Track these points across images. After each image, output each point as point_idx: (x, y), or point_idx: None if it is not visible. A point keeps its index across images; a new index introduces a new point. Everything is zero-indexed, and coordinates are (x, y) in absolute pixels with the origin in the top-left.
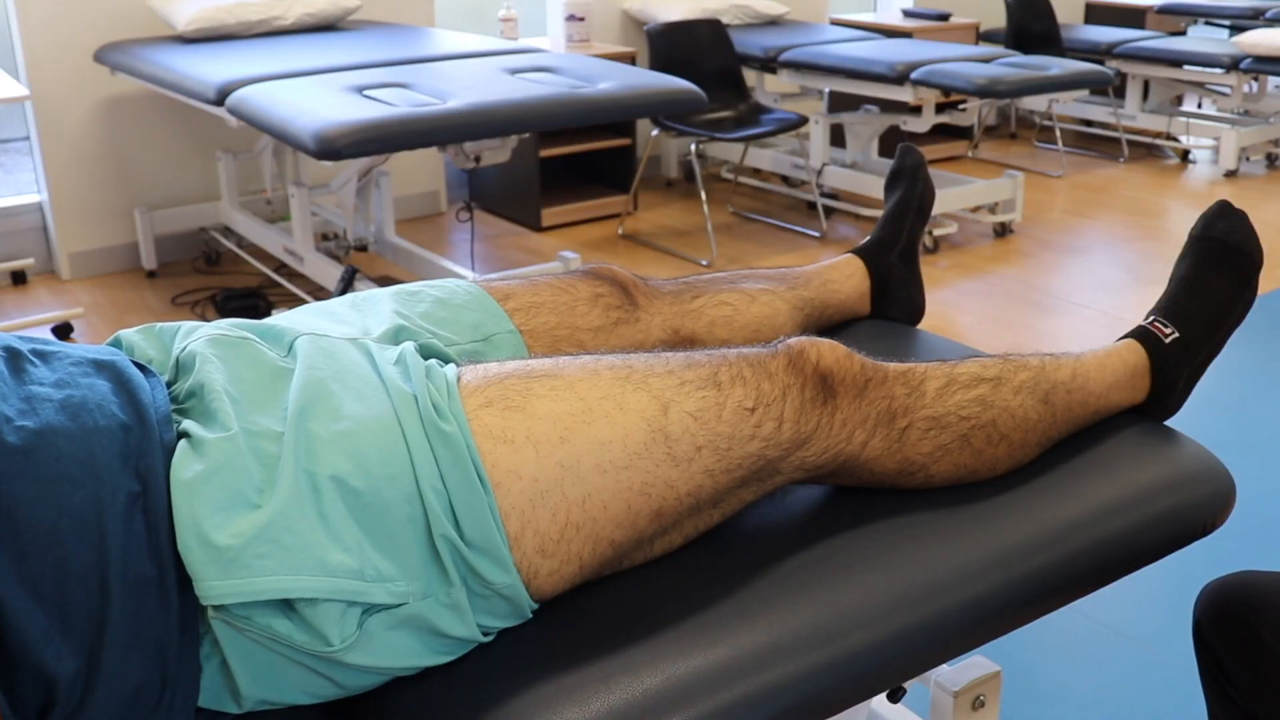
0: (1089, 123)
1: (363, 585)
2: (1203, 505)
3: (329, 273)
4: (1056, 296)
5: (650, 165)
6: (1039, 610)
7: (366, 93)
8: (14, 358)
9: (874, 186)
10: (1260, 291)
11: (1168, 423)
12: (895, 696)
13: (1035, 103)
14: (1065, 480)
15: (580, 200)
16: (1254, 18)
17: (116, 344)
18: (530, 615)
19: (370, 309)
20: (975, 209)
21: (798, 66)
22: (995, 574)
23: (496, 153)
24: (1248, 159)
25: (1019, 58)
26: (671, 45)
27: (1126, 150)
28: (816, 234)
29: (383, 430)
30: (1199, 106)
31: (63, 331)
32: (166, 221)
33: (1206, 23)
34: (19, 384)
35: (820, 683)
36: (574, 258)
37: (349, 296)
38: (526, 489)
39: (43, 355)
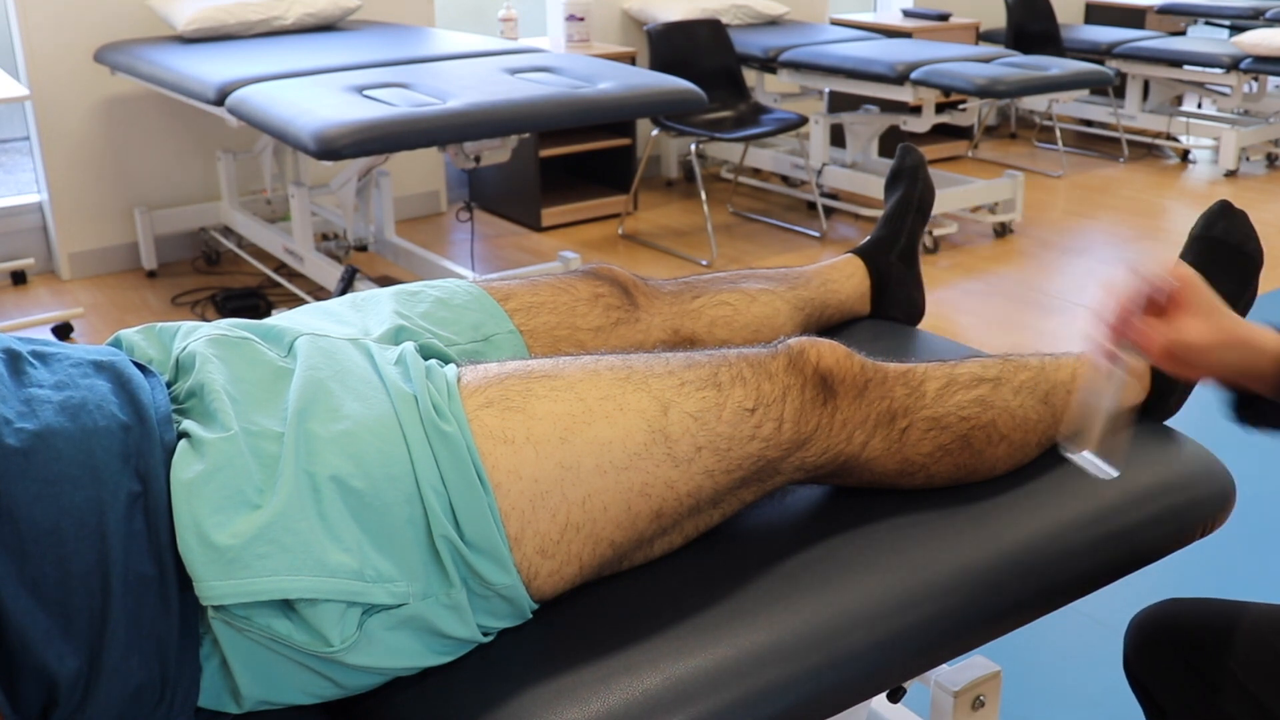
0: (1089, 123)
1: (363, 585)
2: (1203, 505)
3: (329, 273)
4: (1056, 296)
5: (650, 165)
6: (1039, 610)
7: (366, 93)
8: (14, 360)
9: (874, 186)
10: (1260, 291)
11: (1168, 423)
12: (895, 696)
13: (1035, 103)
14: (1065, 480)
15: (580, 200)
16: (1254, 18)
17: (117, 344)
18: (530, 615)
19: (370, 309)
20: (975, 209)
21: (798, 66)
22: (995, 574)
23: (496, 153)
24: (1248, 159)
25: (1019, 58)
26: (671, 45)
27: (1126, 150)
28: (816, 234)
29: (383, 431)
30: (1199, 106)
31: (63, 332)
32: (166, 221)
33: (1206, 23)
34: (19, 386)
35: (820, 683)
36: (574, 258)
37: (349, 296)
38: (526, 489)
39: (42, 357)
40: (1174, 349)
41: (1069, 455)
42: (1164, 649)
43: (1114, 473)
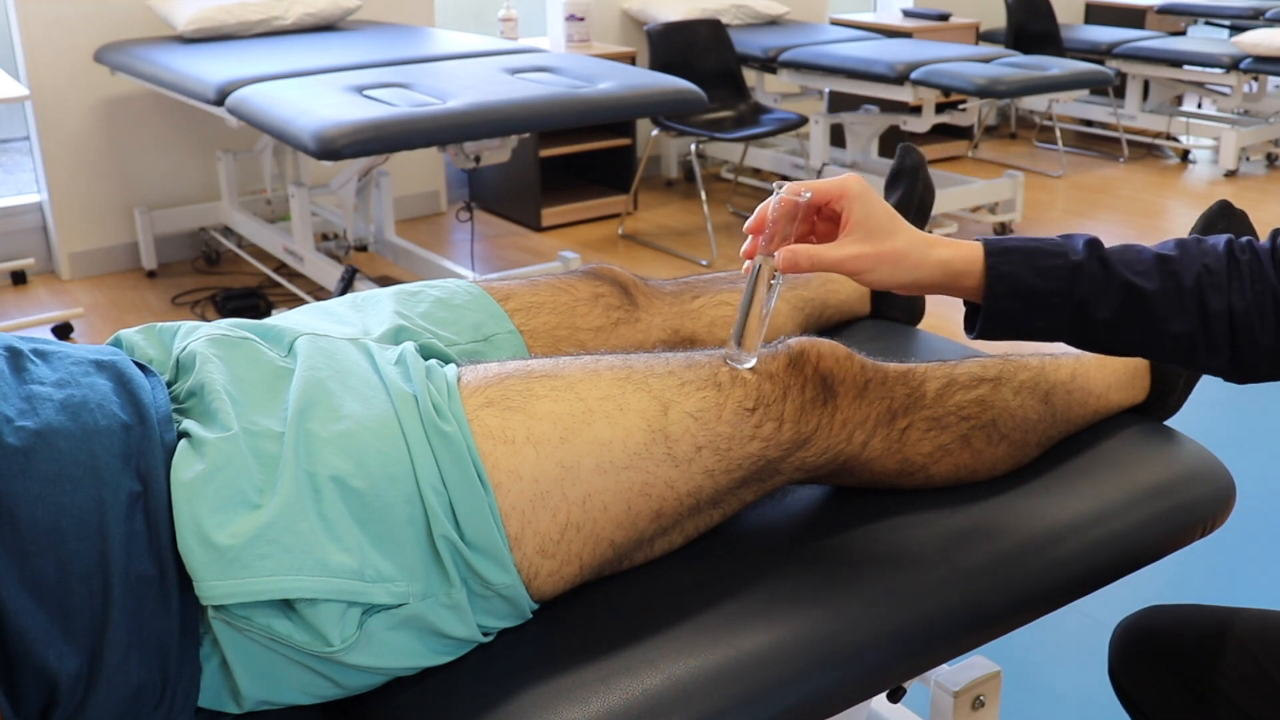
0: (1089, 123)
1: (363, 585)
2: (1203, 505)
3: (329, 273)
4: None
5: (650, 165)
6: (1039, 610)
7: (366, 93)
8: (15, 357)
9: (874, 186)
10: None
11: (1168, 423)
12: (895, 696)
13: (1035, 103)
14: (1065, 480)
15: (580, 200)
16: (1254, 18)
17: (117, 344)
18: (530, 615)
19: (370, 309)
20: (975, 209)
21: (798, 66)
22: (995, 574)
23: (496, 153)
24: (1248, 159)
25: (1019, 58)
26: (671, 45)
27: (1126, 150)
28: None
29: (383, 431)
30: (1199, 106)
31: (63, 331)
32: (166, 221)
33: (1206, 23)
34: (20, 383)
35: (820, 683)
36: (574, 258)
37: (349, 296)
38: (527, 489)
39: (43, 355)
40: (802, 261)
41: (729, 362)
42: (1148, 659)
43: (749, 364)
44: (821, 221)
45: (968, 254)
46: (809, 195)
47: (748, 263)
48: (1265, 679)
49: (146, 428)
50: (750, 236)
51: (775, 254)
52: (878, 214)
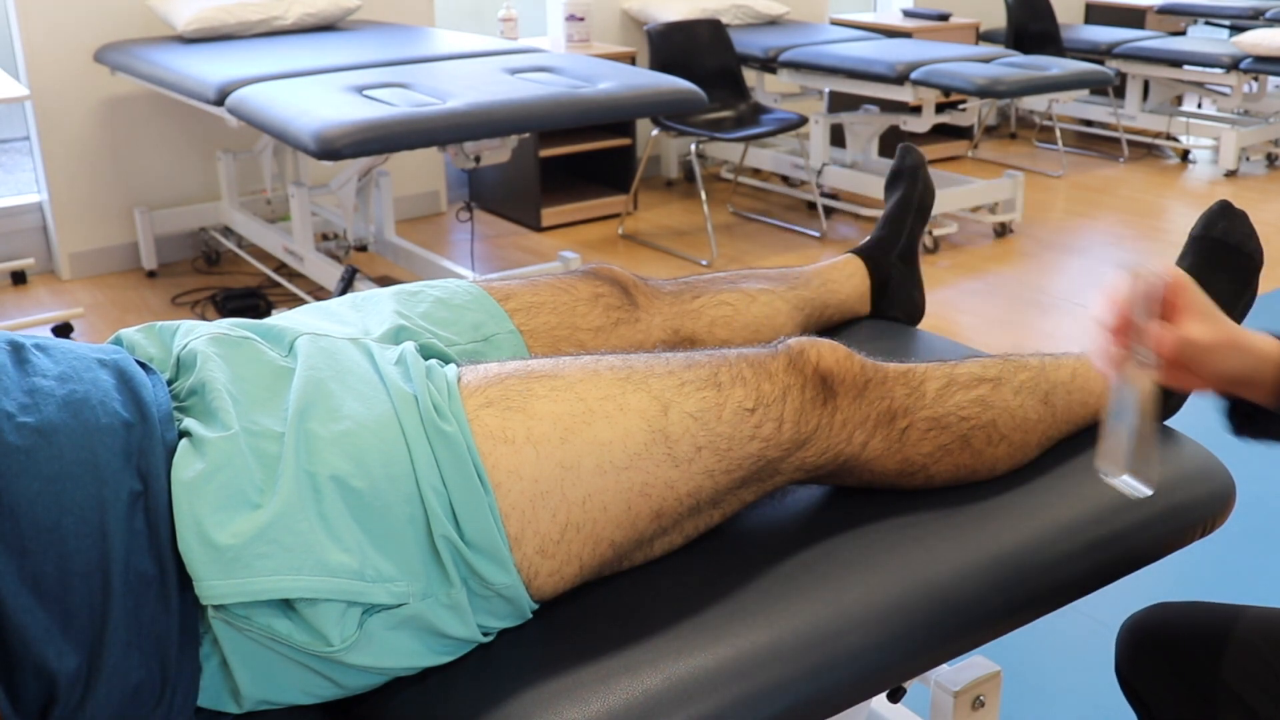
0: (1089, 123)
1: (363, 585)
2: (1203, 505)
3: (329, 273)
4: (1056, 296)
5: (650, 165)
6: (1039, 610)
7: (366, 93)
8: (17, 351)
9: (874, 186)
10: (1260, 291)
11: (1168, 423)
12: (895, 696)
13: (1035, 103)
14: (1065, 480)
15: (580, 200)
16: (1254, 18)
17: (118, 343)
18: (530, 615)
19: (370, 309)
20: (975, 209)
21: (798, 66)
22: (995, 574)
23: (496, 153)
24: (1248, 159)
25: (1019, 58)
26: (671, 45)
27: (1126, 150)
28: (816, 234)
29: (383, 430)
30: (1199, 106)
31: (63, 331)
32: (166, 221)
33: (1206, 23)
34: (22, 376)
35: (820, 683)
36: (574, 258)
37: (349, 296)
38: (527, 489)
39: (45, 349)
40: (1183, 351)
41: (1107, 479)
42: (1155, 656)
43: (1148, 491)
44: None
45: (1276, 345)
46: (1166, 279)
47: (1110, 372)
48: (1273, 677)
49: (148, 426)
50: (1109, 336)
51: (1139, 349)
52: (1208, 301)
